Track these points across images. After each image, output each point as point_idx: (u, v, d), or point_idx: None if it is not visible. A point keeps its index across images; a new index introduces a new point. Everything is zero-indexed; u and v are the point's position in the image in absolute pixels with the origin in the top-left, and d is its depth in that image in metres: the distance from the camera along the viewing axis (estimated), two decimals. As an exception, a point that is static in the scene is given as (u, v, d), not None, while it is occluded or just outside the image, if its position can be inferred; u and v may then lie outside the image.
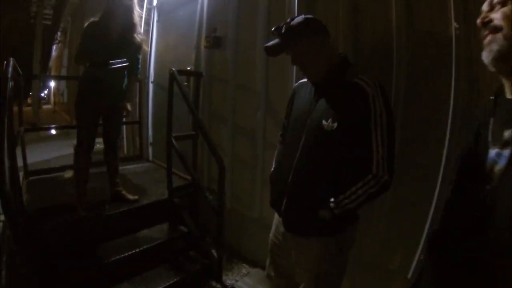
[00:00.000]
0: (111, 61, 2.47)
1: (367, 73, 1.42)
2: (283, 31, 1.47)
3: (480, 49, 0.85)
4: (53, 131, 9.73)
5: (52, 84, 24.74)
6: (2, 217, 3.70)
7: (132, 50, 2.68)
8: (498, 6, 0.83)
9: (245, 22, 2.90)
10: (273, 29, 1.52)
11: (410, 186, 1.85)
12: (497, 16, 0.81)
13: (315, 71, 1.51)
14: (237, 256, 3.02)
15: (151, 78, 4.35)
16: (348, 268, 1.59)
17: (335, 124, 1.36)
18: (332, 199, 1.38)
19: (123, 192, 2.85)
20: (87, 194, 2.65)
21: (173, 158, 2.90)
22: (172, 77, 2.84)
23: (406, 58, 1.85)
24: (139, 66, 2.87)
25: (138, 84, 2.83)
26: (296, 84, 1.78)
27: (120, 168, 2.97)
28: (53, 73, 24.46)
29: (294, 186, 1.51)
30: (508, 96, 0.82)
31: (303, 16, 1.49)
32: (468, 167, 0.90)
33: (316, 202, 1.42)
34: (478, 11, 0.88)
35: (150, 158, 4.33)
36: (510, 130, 0.76)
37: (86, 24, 2.58)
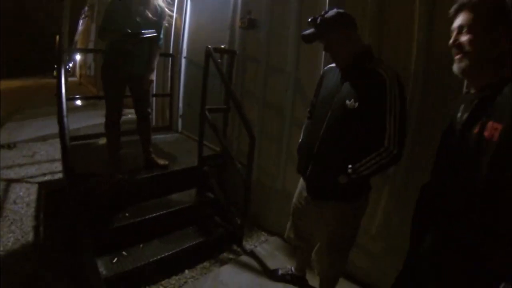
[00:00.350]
0: (134, 32, 2.58)
1: (387, 64, 1.65)
2: (318, 22, 1.70)
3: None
4: (79, 102, 10.04)
5: (78, 57, 25.17)
6: (38, 179, 4.08)
7: (153, 21, 2.77)
8: (465, 29, 1.11)
9: (278, 8, 3.04)
10: (309, 19, 1.74)
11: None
12: (465, 41, 1.11)
13: (342, 58, 1.74)
14: (258, 224, 3.22)
15: (184, 53, 4.50)
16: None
17: (356, 104, 1.60)
18: (350, 166, 1.62)
19: (155, 158, 3.05)
20: (121, 160, 2.88)
21: (207, 129, 3.10)
22: (208, 54, 3.02)
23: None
24: (161, 36, 2.94)
25: (159, 53, 2.95)
26: (326, 68, 1.99)
27: (152, 137, 3.17)
28: (80, 46, 25.01)
29: (319, 155, 1.77)
30: (472, 91, 1.17)
31: (335, 9, 1.71)
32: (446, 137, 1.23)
33: (337, 169, 1.66)
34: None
35: (179, 129, 4.53)
36: (467, 114, 1.10)
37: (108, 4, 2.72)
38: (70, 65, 28.53)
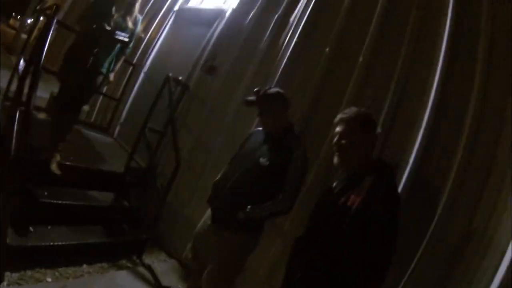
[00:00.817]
0: (110, 30, 2.77)
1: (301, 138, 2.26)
2: (260, 94, 2.21)
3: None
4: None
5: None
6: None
7: (130, 29, 2.99)
8: (343, 136, 1.65)
9: (240, 64, 3.58)
10: (255, 89, 2.26)
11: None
12: (343, 144, 1.64)
13: (269, 127, 2.23)
14: (161, 244, 3.44)
15: (145, 68, 4.84)
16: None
17: (267, 163, 2.07)
18: (249, 207, 2.03)
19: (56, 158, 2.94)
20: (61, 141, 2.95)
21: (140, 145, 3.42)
22: (166, 81, 3.42)
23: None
24: (130, 45, 3.18)
25: (123, 59, 3.25)
26: (255, 129, 2.48)
27: (86, 132, 3.27)
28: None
29: (228, 193, 2.17)
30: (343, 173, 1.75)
31: (277, 89, 2.25)
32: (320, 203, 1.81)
33: (238, 207, 2.06)
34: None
35: (115, 135, 4.70)
36: (339, 188, 1.67)
37: None
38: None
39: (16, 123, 2.25)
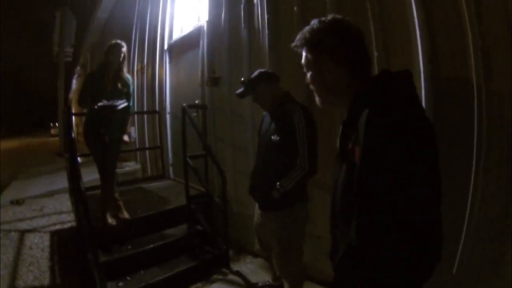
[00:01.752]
0: (108, 105, 3.04)
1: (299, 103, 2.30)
2: (246, 82, 2.40)
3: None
4: (79, 159, 10.56)
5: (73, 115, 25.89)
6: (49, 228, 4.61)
7: (124, 92, 3.31)
8: (304, 69, 1.24)
9: (234, 66, 3.77)
10: (241, 80, 2.48)
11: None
12: (308, 80, 1.23)
13: (267, 104, 2.40)
14: (243, 250, 3.72)
15: (168, 109, 5.26)
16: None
17: (278, 138, 2.21)
18: (278, 183, 2.16)
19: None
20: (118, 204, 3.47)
21: (190, 173, 3.72)
22: (184, 111, 3.71)
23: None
24: (131, 104, 3.45)
25: (130, 118, 3.61)
26: (264, 113, 2.57)
27: (146, 185, 3.76)
28: (73, 103, 25.93)
29: (260, 178, 2.40)
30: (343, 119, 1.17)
31: (258, 70, 2.41)
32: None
33: (270, 187, 2.19)
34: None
35: (171, 176, 5.17)
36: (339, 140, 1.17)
37: (86, 73, 3.39)
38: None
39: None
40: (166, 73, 5.33)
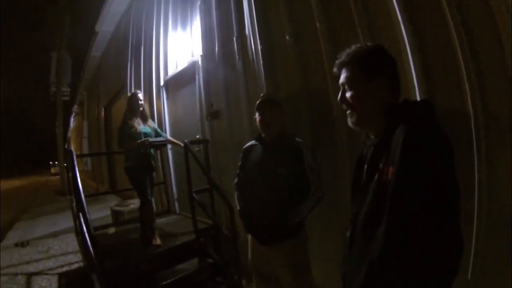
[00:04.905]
0: (157, 140, 3.90)
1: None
2: (268, 96, 2.44)
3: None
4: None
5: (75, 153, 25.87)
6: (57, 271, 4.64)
7: (152, 129, 3.98)
8: (347, 86, 1.26)
9: (232, 97, 3.89)
10: (262, 94, 2.49)
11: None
12: (349, 98, 1.25)
13: (274, 132, 2.36)
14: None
15: (169, 145, 5.33)
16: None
17: (286, 171, 2.20)
18: (290, 213, 2.14)
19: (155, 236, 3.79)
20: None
21: (196, 207, 3.78)
22: (186, 148, 3.81)
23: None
24: (164, 134, 4.26)
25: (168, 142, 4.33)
26: (246, 146, 2.58)
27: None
28: (72, 142, 26.12)
29: (262, 214, 2.27)
30: (371, 136, 1.29)
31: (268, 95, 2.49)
32: (356, 179, 1.33)
33: (284, 218, 2.16)
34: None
35: (178, 211, 5.21)
36: (366, 165, 1.22)
37: (119, 125, 3.83)
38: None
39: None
40: (164, 109, 5.45)
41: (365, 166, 1.23)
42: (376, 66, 1.22)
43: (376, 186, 1.11)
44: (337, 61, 1.29)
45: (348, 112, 1.28)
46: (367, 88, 1.21)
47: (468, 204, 1.87)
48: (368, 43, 1.29)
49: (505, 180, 1.75)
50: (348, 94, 1.24)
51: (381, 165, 1.10)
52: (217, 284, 3.51)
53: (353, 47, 1.27)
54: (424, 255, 0.96)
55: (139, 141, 3.67)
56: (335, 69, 1.31)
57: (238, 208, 2.46)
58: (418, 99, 2.04)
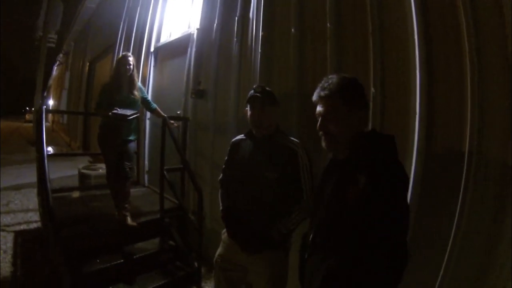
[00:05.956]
0: (122, 114, 3.25)
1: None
2: (264, 90, 2.06)
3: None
4: (50, 150, 9.97)
5: (51, 102, 25.18)
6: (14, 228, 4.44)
7: (137, 101, 3.55)
8: (326, 116, 1.36)
9: (222, 79, 3.70)
10: (257, 85, 2.11)
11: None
12: (329, 127, 1.36)
13: (267, 129, 2.07)
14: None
15: (148, 115, 5.13)
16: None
17: (276, 175, 1.95)
18: (278, 224, 1.93)
19: (128, 217, 3.49)
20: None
21: (166, 185, 3.63)
22: (164, 122, 3.62)
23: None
24: (151, 102, 3.88)
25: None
26: (234, 140, 2.29)
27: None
28: (52, 91, 25.26)
29: (247, 220, 2.03)
30: (339, 157, 1.42)
31: (269, 89, 2.12)
32: (318, 195, 1.50)
33: (269, 225, 1.95)
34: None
35: (146, 184, 5.06)
36: (335, 177, 1.37)
37: (101, 85, 3.52)
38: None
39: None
40: (149, 77, 5.20)
41: (331, 182, 1.39)
42: (356, 98, 1.38)
43: (339, 202, 1.29)
44: (319, 91, 1.40)
45: (323, 137, 1.40)
46: (348, 118, 1.35)
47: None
48: (345, 75, 1.42)
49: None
50: (330, 124, 1.36)
51: (346, 184, 1.27)
52: (176, 269, 3.39)
53: (334, 79, 1.39)
54: (378, 264, 1.15)
55: (100, 110, 3.39)
56: (315, 98, 1.42)
57: (221, 207, 2.24)
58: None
